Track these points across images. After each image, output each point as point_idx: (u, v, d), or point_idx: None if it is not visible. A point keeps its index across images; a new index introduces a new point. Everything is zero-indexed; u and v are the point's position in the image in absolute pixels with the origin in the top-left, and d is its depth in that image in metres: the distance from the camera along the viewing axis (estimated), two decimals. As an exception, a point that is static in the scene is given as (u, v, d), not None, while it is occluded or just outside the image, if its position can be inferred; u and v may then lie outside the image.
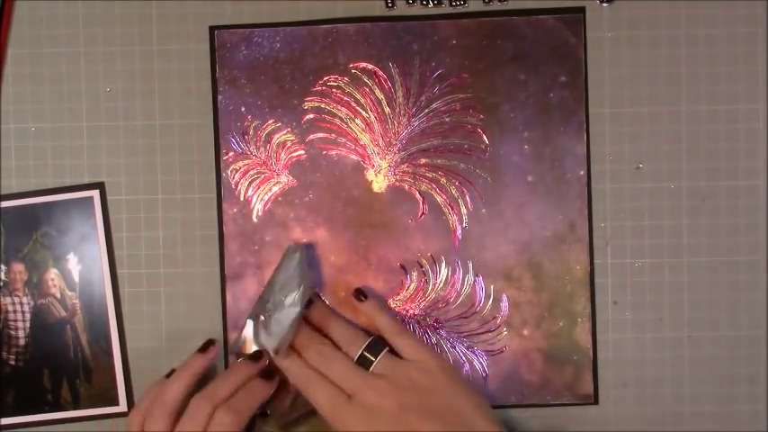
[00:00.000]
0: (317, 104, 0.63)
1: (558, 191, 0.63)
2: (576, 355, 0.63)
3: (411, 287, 0.63)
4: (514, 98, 0.63)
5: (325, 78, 0.63)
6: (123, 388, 0.63)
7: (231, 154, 0.63)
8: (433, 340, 0.63)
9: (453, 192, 0.63)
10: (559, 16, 0.63)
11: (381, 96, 0.63)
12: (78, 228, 0.63)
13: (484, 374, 0.63)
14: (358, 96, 0.63)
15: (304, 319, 0.59)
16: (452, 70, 0.63)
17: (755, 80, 0.63)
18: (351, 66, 0.63)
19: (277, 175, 0.63)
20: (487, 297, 0.63)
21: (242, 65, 0.63)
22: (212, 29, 0.63)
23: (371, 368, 0.57)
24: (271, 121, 0.63)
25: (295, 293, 0.59)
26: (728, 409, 0.63)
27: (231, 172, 0.63)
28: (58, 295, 0.63)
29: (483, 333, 0.63)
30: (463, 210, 0.63)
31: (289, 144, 0.63)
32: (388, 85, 0.63)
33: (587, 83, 0.63)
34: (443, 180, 0.63)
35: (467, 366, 0.63)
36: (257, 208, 0.63)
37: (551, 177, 0.63)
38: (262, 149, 0.63)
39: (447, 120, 0.63)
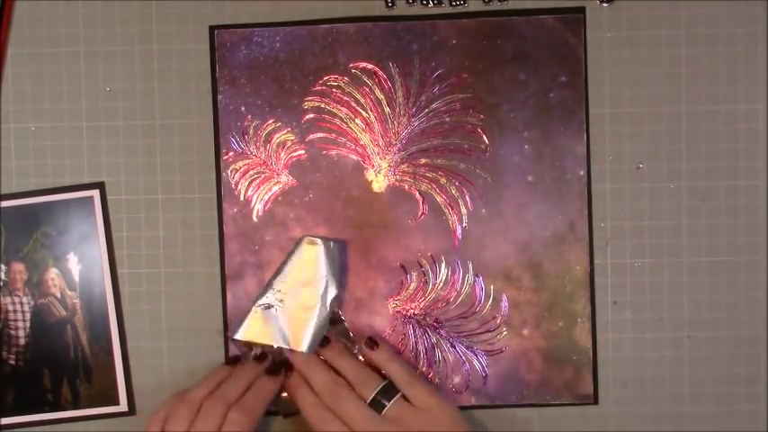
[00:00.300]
0: (316, 104, 0.63)
1: (557, 191, 0.63)
2: (576, 354, 0.63)
3: (411, 287, 0.63)
4: (514, 98, 0.63)
5: (325, 78, 0.63)
6: (123, 387, 0.63)
7: (231, 154, 0.63)
8: (433, 340, 0.63)
9: (453, 192, 0.63)
10: (559, 16, 0.62)
11: (381, 96, 0.63)
12: (78, 227, 0.63)
13: (483, 374, 0.63)
14: (358, 96, 0.63)
15: (319, 355, 0.60)
16: (452, 70, 0.63)
17: (755, 80, 0.63)
18: (351, 65, 0.63)
19: (277, 174, 0.63)
20: (487, 297, 0.63)
21: (242, 64, 0.63)
22: (212, 29, 0.63)
23: (383, 412, 0.58)
24: (271, 121, 0.63)
25: (315, 288, 0.59)
26: (728, 409, 0.63)
27: (231, 172, 0.63)
28: (59, 295, 0.63)
29: (483, 333, 0.63)
30: (463, 210, 0.63)
31: (289, 144, 0.63)
32: (388, 84, 0.63)
33: (587, 83, 0.63)
34: (443, 180, 0.63)
35: (466, 366, 0.63)
36: (257, 208, 0.63)
37: (551, 177, 0.63)
38: (262, 149, 0.63)
39: (447, 120, 0.63)
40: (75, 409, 0.63)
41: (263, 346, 0.60)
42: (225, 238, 0.63)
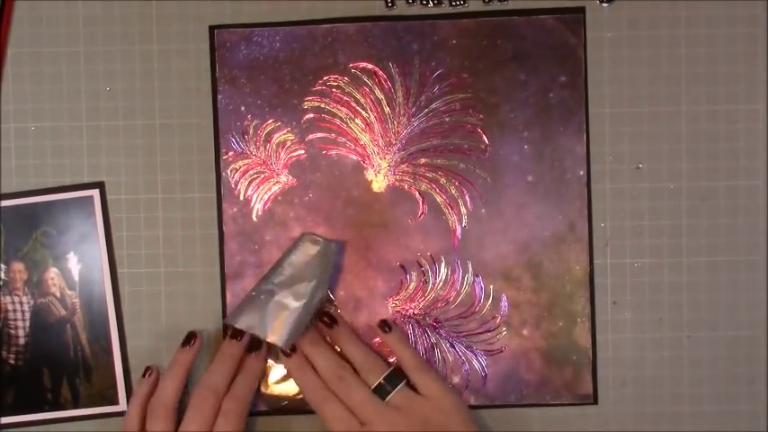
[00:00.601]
0: (316, 104, 0.63)
1: (557, 191, 0.63)
2: (576, 354, 0.63)
3: (410, 287, 0.63)
4: (514, 98, 0.63)
5: (325, 78, 0.63)
6: (123, 387, 0.63)
7: (231, 153, 0.63)
8: (433, 340, 0.63)
9: (453, 192, 0.63)
10: (559, 16, 0.62)
11: (381, 96, 0.63)
12: (78, 227, 0.63)
13: (483, 374, 0.63)
14: (358, 96, 0.63)
15: (325, 338, 0.61)
16: (452, 70, 0.63)
17: (755, 80, 0.63)
18: (351, 65, 0.63)
19: (277, 174, 0.63)
20: (487, 297, 0.63)
21: (242, 64, 0.63)
22: (212, 28, 0.63)
23: (387, 399, 0.58)
24: (270, 121, 0.63)
25: (306, 286, 0.59)
26: (728, 409, 0.63)
27: (231, 171, 0.63)
28: (58, 294, 0.63)
29: (482, 333, 0.63)
30: (463, 210, 0.63)
31: (288, 144, 0.63)
32: (387, 84, 0.63)
33: (587, 83, 0.63)
34: (443, 180, 0.63)
35: (466, 366, 0.63)
36: (257, 207, 0.63)
37: (551, 177, 0.63)
38: (261, 149, 0.63)
39: (447, 120, 0.63)
40: (74, 408, 0.63)
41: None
42: (225, 237, 0.63)
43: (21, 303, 0.63)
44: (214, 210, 0.63)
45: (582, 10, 0.63)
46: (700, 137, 0.63)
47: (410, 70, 0.63)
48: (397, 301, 0.63)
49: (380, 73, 0.63)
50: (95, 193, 0.63)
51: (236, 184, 0.63)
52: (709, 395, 0.63)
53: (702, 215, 0.63)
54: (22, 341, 0.63)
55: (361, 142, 0.63)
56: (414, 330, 0.63)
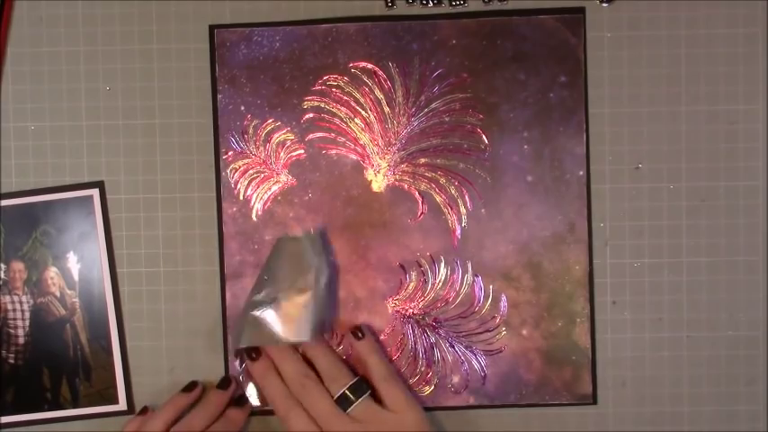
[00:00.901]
0: (316, 104, 0.63)
1: (557, 191, 0.63)
2: (575, 354, 0.63)
3: (410, 287, 0.63)
4: (514, 98, 0.63)
5: (325, 78, 0.63)
6: (123, 387, 0.63)
7: (231, 153, 0.63)
8: (432, 340, 0.63)
9: (453, 191, 0.63)
10: (559, 16, 0.62)
11: (381, 96, 0.63)
12: (78, 226, 0.63)
13: (482, 374, 0.63)
14: (357, 96, 0.63)
15: (293, 347, 0.61)
16: (452, 70, 0.63)
17: (755, 80, 0.63)
18: (350, 65, 0.63)
19: (276, 174, 0.63)
20: (486, 297, 0.63)
21: (242, 64, 0.63)
22: (212, 28, 0.63)
23: (349, 410, 0.58)
24: (270, 121, 0.63)
25: (307, 278, 0.59)
26: (727, 410, 0.63)
27: (231, 171, 0.63)
28: (58, 294, 0.63)
29: (482, 333, 0.63)
30: (462, 209, 0.63)
31: (288, 143, 0.63)
32: (387, 84, 0.63)
33: (587, 83, 0.63)
34: (443, 180, 0.63)
35: (465, 366, 0.63)
36: (257, 207, 0.63)
37: (551, 177, 0.63)
38: (261, 149, 0.63)
39: (446, 120, 0.63)
40: (74, 408, 0.63)
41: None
42: (224, 237, 0.63)
43: (20, 303, 0.63)
44: (214, 209, 0.63)
45: (582, 10, 0.63)
46: (699, 137, 0.63)
47: (410, 70, 0.63)
48: (396, 301, 0.63)
49: (380, 73, 0.63)
50: (95, 192, 0.63)
51: (236, 184, 0.63)
52: (709, 395, 0.63)
53: (702, 215, 0.63)
54: (21, 341, 0.63)
55: (361, 142, 0.63)
56: (413, 330, 0.63)
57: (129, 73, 0.63)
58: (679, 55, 0.63)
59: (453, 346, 0.63)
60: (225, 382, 0.62)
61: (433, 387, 0.63)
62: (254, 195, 0.63)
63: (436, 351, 0.63)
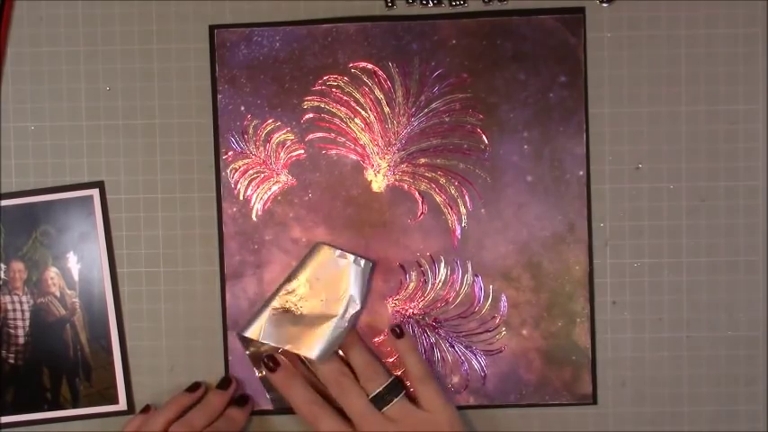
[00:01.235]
0: (316, 104, 0.63)
1: (557, 191, 0.63)
2: (575, 354, 0.63)
3: (410, 287, 0.63)
4: (514, 98, 0.63)
5: (325, 78, 0.63)
6: (123, 387, 0.63)
7: (231, 153, 0.63)
8: (432, 340, 0.63)
9: (452, 191, 0.63)
10: (559, 16, 0.62)
11: (381, 96, 0.63)
12: (78, 226, 0.63)
13: (482, 374, 0.63)
14: (357, 96, 0.63)
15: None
16: (452, 70, 0.63)
17: (755, 80, 0.63)
18: (350, 65, 0.63)
19: (276, 174, 0.63)
20: (486, 297, 0.63)
21: (242, 64, 0.63)
22: (212, 28, 0.63)
23: (384, 409, 0.58)
24: (270, 121, 0.63)
25: (340, 302, 0.60)
26: (727, 410, 0.63)
27: (231, 171, 0.63)
28: (58, 294, 0.63)
29: (482, 333, 0.63)
30: (462, 209, 0.63)
31: (288, 143, 0.63)
32: (387, 84, 0.63)
33: (587, 83, 0.63)
34: (443, 180, 0.63)
35: (465, 366, 0.63)
36: (257, 207, 0.63)
37: (551, 177, 0.63)
38: (261, 149, 0.63)
39: (446, 120, 0.63)
40: (74, 408, 0.63)
41: (267, 346, 0.61)
42: (224, 237, 0.63)
43: (20, 303, 0.63)
44: (214, 209, 0.63)
45: (582, 10, 0.63)
46: (699, 137, 0.63)
47: (410, 70, 0.63)
48: (396, 301, 0.63)
49: (380, 73, 0.63)
50: (95, 192, 0.63)
51: (236, 184, 0.63)
52: (709, 395, 0.63)
53: (702, 215, 0.63)
54: (21, 341, 0.63)
55: (361, 142, 0.63)
56: (413, 330, 0.63)
57: (129, 73, 0.63)
58: (679, 55, 0.63)
59: (453, 346, 0.63)
60: (225, 382, 0.62)
61: (433, 387, 0.63)
62: (254, 195, 0.63)
63: (436, 351, 0.63)
